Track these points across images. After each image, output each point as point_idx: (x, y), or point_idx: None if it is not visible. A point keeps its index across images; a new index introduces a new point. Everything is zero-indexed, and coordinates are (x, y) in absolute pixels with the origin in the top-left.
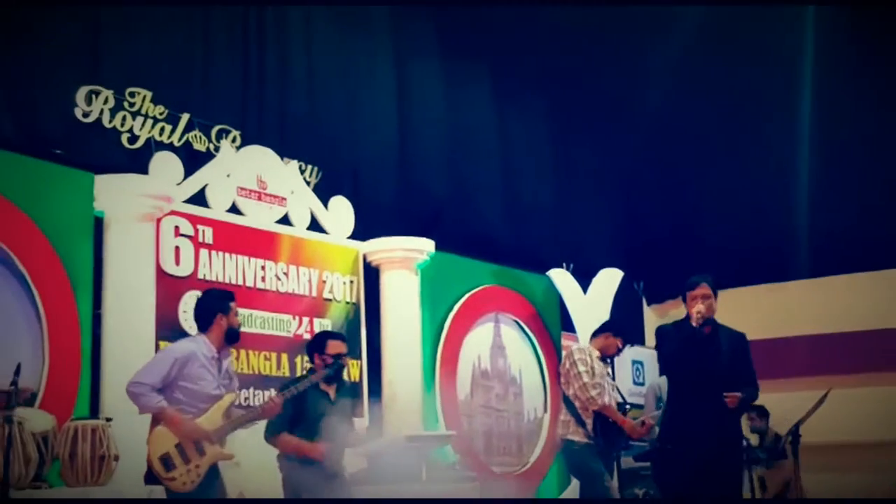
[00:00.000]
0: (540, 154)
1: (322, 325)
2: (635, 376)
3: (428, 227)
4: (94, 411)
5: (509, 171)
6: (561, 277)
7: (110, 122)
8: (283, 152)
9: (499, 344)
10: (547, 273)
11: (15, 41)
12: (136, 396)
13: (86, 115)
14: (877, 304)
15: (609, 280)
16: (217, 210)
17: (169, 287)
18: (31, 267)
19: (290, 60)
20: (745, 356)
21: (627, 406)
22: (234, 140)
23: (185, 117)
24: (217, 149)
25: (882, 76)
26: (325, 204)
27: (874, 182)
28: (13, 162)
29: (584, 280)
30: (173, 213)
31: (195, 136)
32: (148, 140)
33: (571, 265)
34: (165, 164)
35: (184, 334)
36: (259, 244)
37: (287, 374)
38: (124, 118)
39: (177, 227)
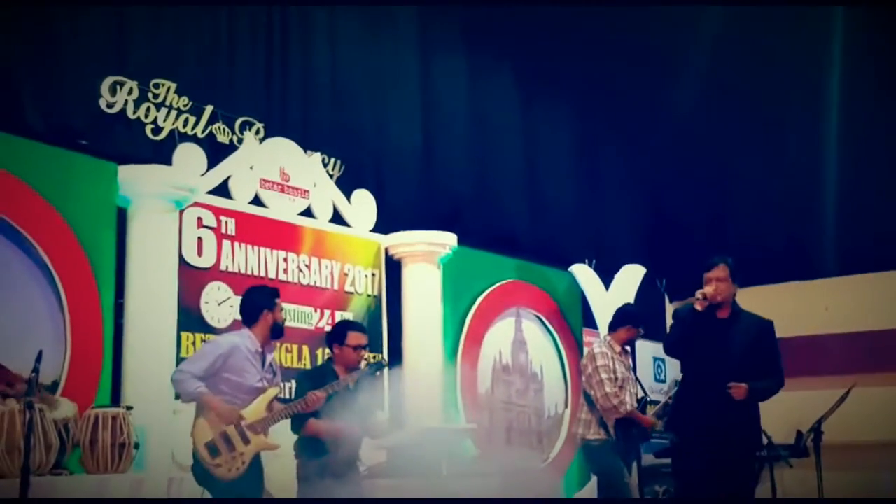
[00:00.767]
0: (564, 150)
1: (343, 317)
2: (657, 373)
3: (450, 221)
4: (116, 400)
5: (533, 167)
6: (583, 273)
7: (134, 113)
8: (306, 145)
9: (520, 339)
10: (569, 269)
11: (41, 33)
12: (178, 383)
13: (110, 105)
14: None
15: (632, 276)
16: (240, 202)
17: (191, 278)
18: (55, 256)
19: (315, 53)
20: (770, 345)
21: (647, 400)
22: (257, 132)
23: (208, 109)
24: (240, 141)
25: None
26: (348, 197)
27: None
28: (38, 151)
29: (607, 276)
30: (196, 204)
31: (219, 127)
32: (172, 131)
33: (594, 261)
34: (189, 156)
35: (205, 325)
36: (281, 236)
37: (308, 365)
38: (148, 109)
39: (199, 219)
